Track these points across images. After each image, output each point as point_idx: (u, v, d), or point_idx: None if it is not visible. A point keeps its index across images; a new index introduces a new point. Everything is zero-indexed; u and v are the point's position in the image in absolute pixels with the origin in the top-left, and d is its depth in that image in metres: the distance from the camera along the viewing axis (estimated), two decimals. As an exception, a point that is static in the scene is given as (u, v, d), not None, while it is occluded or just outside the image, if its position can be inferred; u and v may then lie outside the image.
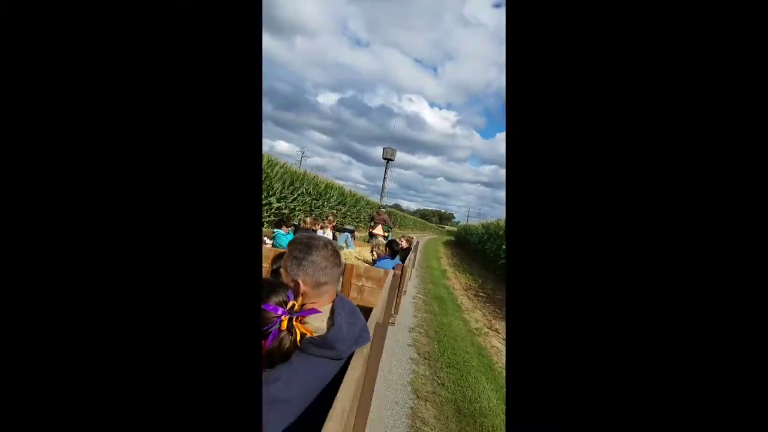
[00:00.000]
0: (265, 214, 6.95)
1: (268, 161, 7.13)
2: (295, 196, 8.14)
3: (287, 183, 7.77)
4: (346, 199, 13.26)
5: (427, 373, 3.02)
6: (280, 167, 7.68)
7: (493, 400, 2.72)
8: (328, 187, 11.08)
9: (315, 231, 4.59)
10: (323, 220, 5.73)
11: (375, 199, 24.05)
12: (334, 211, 9.95)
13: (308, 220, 4.61)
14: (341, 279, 2.42)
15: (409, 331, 3.98)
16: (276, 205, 7.22)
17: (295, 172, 8.48)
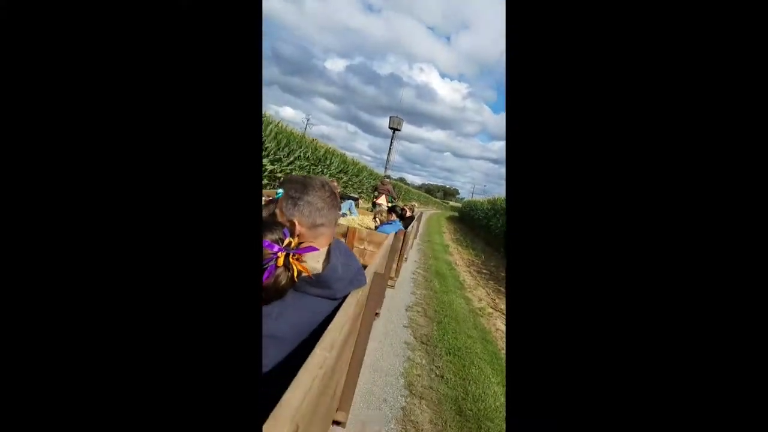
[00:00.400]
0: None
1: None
2: (291, 159, 7.55)
3: (282, 144, 7.20)
4: (348, 167, 12.59)
5: (424, 361, 2.58)
6: (275, 125, 7.03)
7: (499, 398, 2.29)
8: (329, 152, 10.37)
9: None
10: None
11: (379, 171, 23.45)
12: (334, 179, 9.30)
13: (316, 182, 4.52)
14: (343, 240, 2.49)
15: (406, 310, 3.55)
16: (269, 167, 6.67)
17: (292, 132, 7.84)
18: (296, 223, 0.81)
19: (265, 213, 1.07)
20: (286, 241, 0.77)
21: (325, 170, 10.13)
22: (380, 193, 10.12)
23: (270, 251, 0.75)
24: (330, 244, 0.85)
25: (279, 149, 7.17)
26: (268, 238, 0.77)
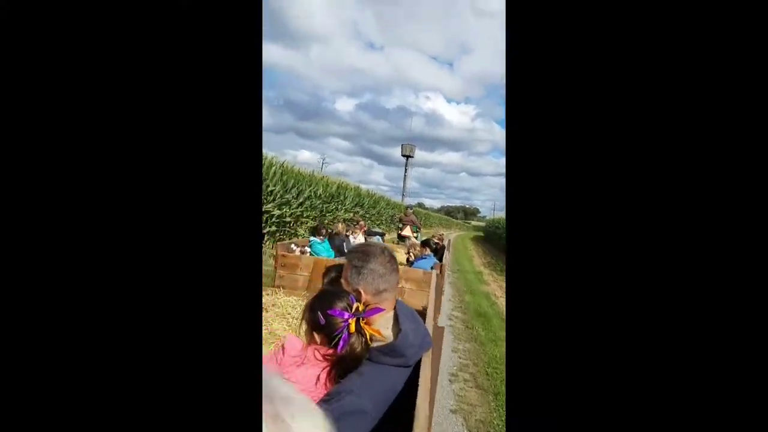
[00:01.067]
0: (263, 224, 5.82)
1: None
2: (300, 200, 6.96)
3: (289, 186, 6.63)
4: (363, 200, 11.86)
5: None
6: (278, 166, 6.45)
7: None
8: (341, 187, 9.74)
9: (348, 236, 4.88)
10: (354, 225, 6.00)
11: (397, 199, 22.87)
12: (361, 218, 8.69)
13: (340, 226, 5.05)
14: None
15: (450, 381, 2.71)
16: (276, 212, 6.07)
17: (299, 172, 7.25)
18: (361, 292, 0.86)
19: (326, 280, 1.14)
20: (354, 306, 0.84)
21: (339, 206, 9.45)
22: (405, 224, 9.69)
23: (341, 319, 0.82)
24: (395, 308, 0.87)
25: (286, 191, 6.58)
26: (338, 306, 0.85)
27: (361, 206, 11.48)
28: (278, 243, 4.96)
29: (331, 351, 0.86)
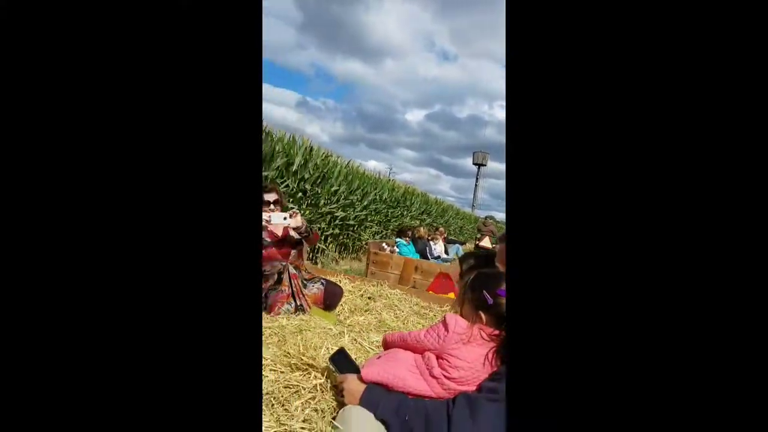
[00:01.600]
0: (324, 225, 5.48)
1: (325, 157, 5.62)
2: (364, 203, 6.52)
3: (354, 186, 6.23)
4: (431, 207, 11.21)
5: None
6: (343, 166, 6.08)
7: None
8: (408, 192, 9.18)
9: (429, 241, 5.14)
10: (434, 231, 6.13)
11: (466, 210, 21.89)
12: (441, 227, 8.24)
13: (422, 230, 5.19)
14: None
15: None
16: (339, 214, 5.70)
17: (364, 173, 6.88)
18: None
19: (464, 267, 1.20)
20: None
21: (405, 212, 8.88)
22: (483, 235, 9.83)
23: None
24: None
25: (350, 192, 6.19)
26: (504, 287, 0.89)
27: (428, 214, 10.85)
28: (371, 241, 5.24)
29: (498, 332, 0.91)
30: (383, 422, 0.90)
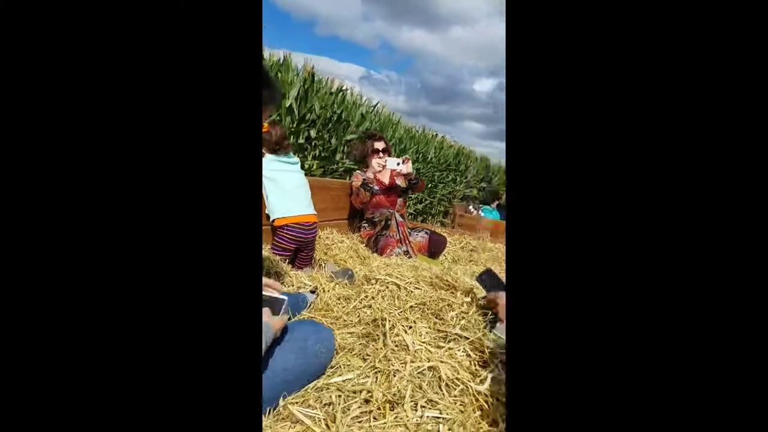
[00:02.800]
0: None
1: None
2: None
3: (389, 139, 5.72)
4: (492, 174, 9.90)
5: None
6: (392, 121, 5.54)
7: None
8: (463, 154, 7.43)
9: None
10: None
11: None
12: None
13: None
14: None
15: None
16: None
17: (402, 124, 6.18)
18: None
19: None
20: None
21: (459, 177, 7.82)
22: None
23: None
24: None
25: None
26: None
27: (489, 182, 9.75)
28: (456, 203, 5.34)
29: None
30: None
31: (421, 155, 5.47)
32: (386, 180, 2.12)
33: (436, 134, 5.90)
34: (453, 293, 1.11)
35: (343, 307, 1.13)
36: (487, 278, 1.06)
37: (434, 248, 2.12)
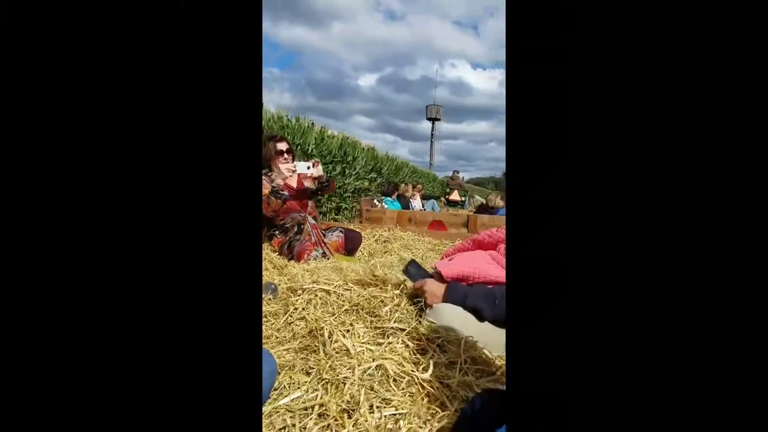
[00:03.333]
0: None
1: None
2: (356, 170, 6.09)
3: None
4: (380, 164, 9.08)
5: None
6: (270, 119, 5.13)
7: None
8: (348, 145, 6.44)
9: (410, 198, 5.61)
10: (413, 188, 6.39)
11: (424, 169, 21.82)
12: (420, 183, 7.91)
13: (409, 188, 5.66)
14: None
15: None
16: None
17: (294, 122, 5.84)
18: None
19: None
20: None
21: (348, 170, 7.11)
22: (452, 189, 10.20)
23: None
24: None
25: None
26: None
27: (379, 172, 9.15)
28: (363, 199, 5.36)
29: None
30: (473, 310, 0.98)
31: (298, 147, 4.94)
32: (295, 184, 2.06)
33: (312, 123, 5.26)
34: (383, 288, 1.14)
35: (272, 324, 1.08)
36: (413, 269, 1.12)
37: (351, 245, 2.14)
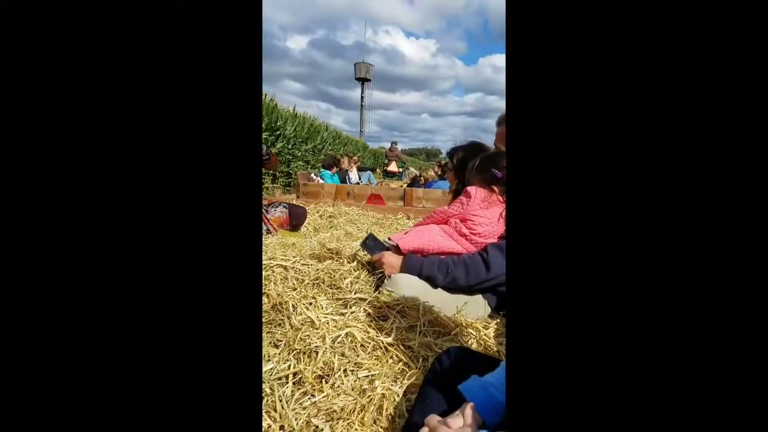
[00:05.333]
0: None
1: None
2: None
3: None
4: (315, 133, 9.00)
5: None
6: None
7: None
8: (278, 112, 7.06)
9: (349, 171, 5.64)
10: (349, 160, 6.47)
11: (357, 138, 21.69)
12: (354, 154, 7.43)
13: (346, 160, 5.77)
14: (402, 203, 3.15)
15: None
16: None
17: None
18: None
19: (459, 155, 1.41)
20: None
21: (280, 138, 6.76)
22: (390, 160, 10.23)
23: None
24: None
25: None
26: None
27: (312, 141, 8.53)
28: (300, 172, 5.22)
29: None
30: (428, 279, 1.07)
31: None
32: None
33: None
34: (339, 261, 1.18)
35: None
36: (371, 242, 1.17)
37: (295, 221, 2.12)
